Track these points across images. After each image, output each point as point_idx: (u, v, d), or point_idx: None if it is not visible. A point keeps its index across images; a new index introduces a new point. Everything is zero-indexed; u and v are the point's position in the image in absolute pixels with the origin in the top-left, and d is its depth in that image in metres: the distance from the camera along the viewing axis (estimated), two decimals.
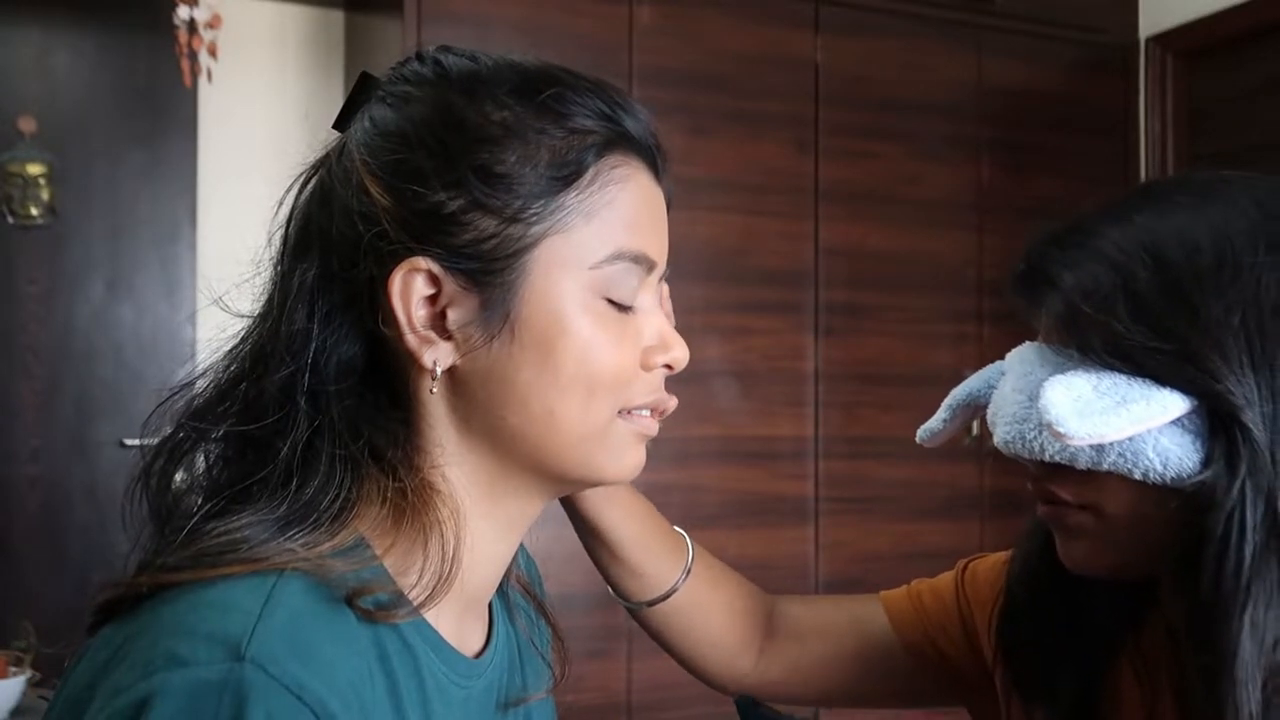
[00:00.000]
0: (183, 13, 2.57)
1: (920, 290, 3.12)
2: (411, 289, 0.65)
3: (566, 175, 0.66)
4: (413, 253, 0.65)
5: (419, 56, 0.71)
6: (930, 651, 0.97)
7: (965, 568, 1.00)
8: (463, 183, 0.65)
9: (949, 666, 0.97)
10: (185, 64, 2.60)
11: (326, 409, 0.65)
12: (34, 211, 3.01)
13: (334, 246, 0.67)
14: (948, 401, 0.88)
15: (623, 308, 0.68)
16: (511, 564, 0.80)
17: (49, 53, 3.07)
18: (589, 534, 0.93)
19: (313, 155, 0.73)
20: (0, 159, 2.99)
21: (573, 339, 0.66)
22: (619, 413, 0.69)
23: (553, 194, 0.66)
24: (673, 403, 0.77)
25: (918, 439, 0.89)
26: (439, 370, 0.66)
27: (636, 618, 0.97)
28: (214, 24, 2.60)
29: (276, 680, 0.55)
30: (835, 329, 3.02)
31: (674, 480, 2.74)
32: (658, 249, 0.71)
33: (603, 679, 2.75)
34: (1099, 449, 0.70)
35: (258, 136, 3.19)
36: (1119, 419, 0.68)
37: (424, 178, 0.65)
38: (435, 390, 0.67)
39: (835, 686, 1.01)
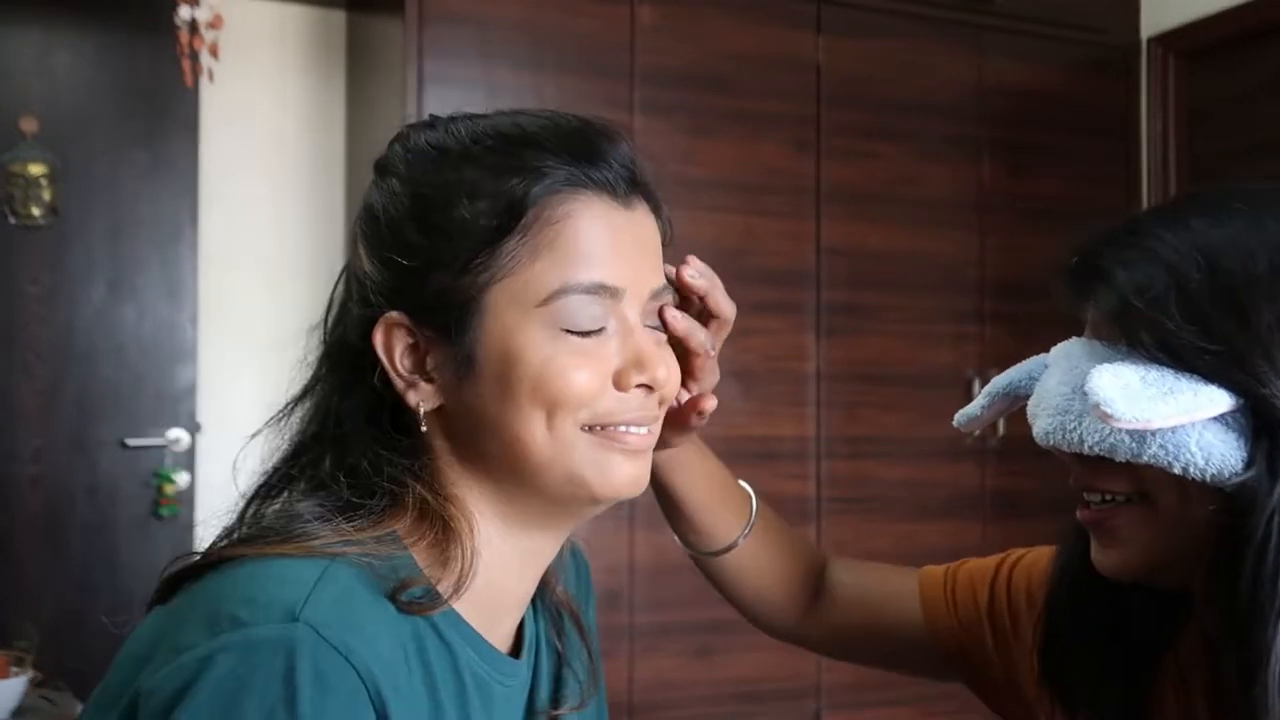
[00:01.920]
0: (184, 13, 2.58)
1: (921, 290, 3.11)
2: (393, 341, 0.74)
3: (506, 222, 0.71)
4: (388, 311, 0.74)
5: (398, 138, 0.79)
6: (954, 646, 0.99)
7: (1010, 568, 0.99)
8: (418, 245, 0.73)
9: (972, 663, 0.98)
10: (186, 64, 2.60)
11: (355, 448, 0.74)
12: (35, 212, 3.01)
13: (350, 311, 0.77)
14: (988, 389, 0.90)
15: (585, 333, 0.72)
16: (554, 579, 0.86)
17: (50, 53, 3.07)
18: (658, 491, 0.97)
19: None
20: (2, 159, 2.99)
21: (525, 369, 0.71)
22: (590, 429, 0.73)
23: (495, 241, 0.71)
24: (708, 392, 0.84)
25: (955, 423, 0.92)
26: (423, 409, 0.74)
27: (695, 562, 1.03)
28: (215, 24, 2.60)
29: (326, 640, 0.61)
30: (836, 329, 3.02)
31: None
32: (621, 275, 0.74)
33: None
34: (1140, 440, 0.71)
35: (259, 136, 3.19)
36: (1166, 406, 0.69)
37: (389, 245, 0.74)
38: (428, 428, 0.75)
39: (870, 656, 1.08)
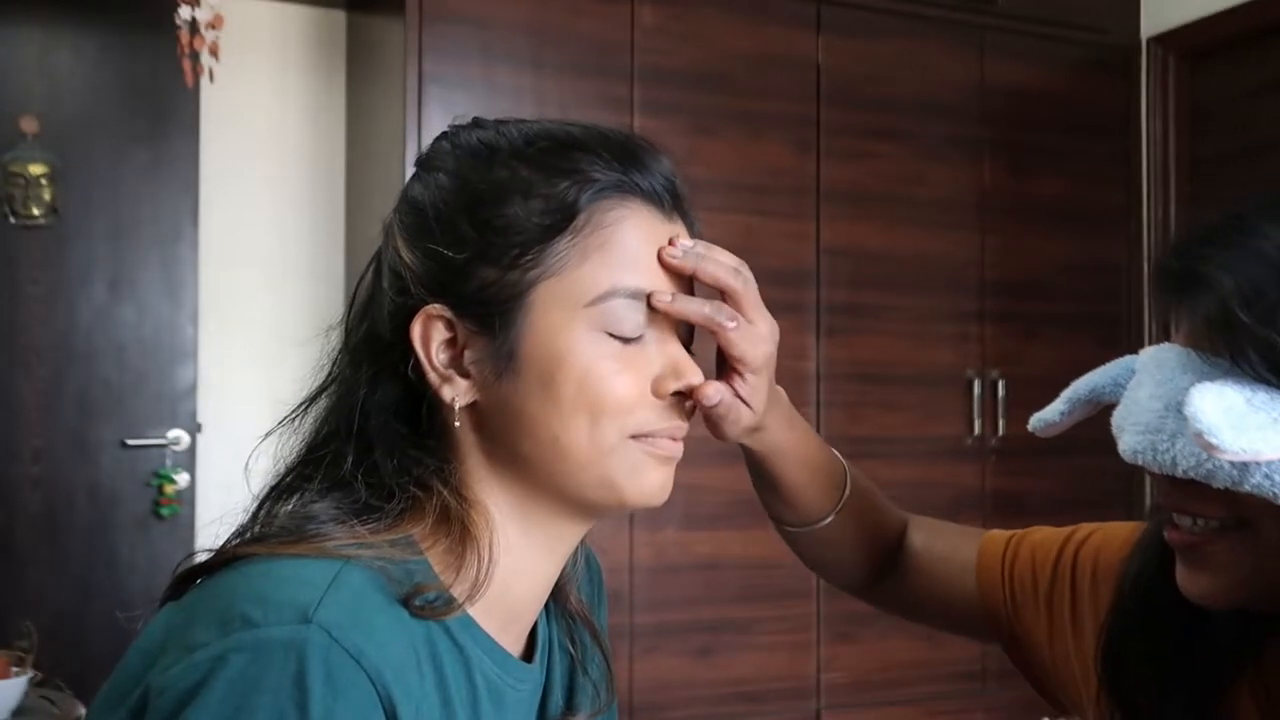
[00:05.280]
0: (184, 13, 2.57)
1: (922, 290, 3.11)
2: (431, 333, 0.74)
3: (558, 222, 0.72)
4: (429, 303, 0.73)
5: (445, 134, 0.78)
6: (1005, 626, 0.97)
7: (1077, 549, 0.95)
8: (467, 238, 0.73)
9: (1021, 644, 0.97)
10: (187, 64, 2.60)
11: (381, 444, 0.74)
12: (36, 211, 3.01)
13: (381, 304, 0.76)
14: (1068, 394, 0.83)
15: (627, 339, 0.73)
16: (569, 586, 0.86)
17: (51, 53, 3.07)
18: (755, 472, 0.95)
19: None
20: (2, 159, 2.99)
21: (569, 370, 0.72)
22: (633, 437, 0.74)
23: (546, 240, 0.72)
24: (714, 392, 0.79)
25: (1030, 427, 0.86)
26: (458, 405, 0.74)
27: (776, 528, 1.01)
28: (216, 24, 2.60)
29: (338, 643, 0.61)
30: (837, 329, 3.02)
31: (676, 480, 2.73)
32: (663, 284, 0.75)
33: None
34: (1242, 469, 0.65)
35: (259, 136, 3.19)
36: (1277, 436, 0.63)
37: (436, 236, 0.74)
38: (459, 423, 0.74)
39: (935, 623, 1.07)
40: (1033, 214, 3.24)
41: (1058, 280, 3.25)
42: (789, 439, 0.91)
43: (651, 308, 0.74)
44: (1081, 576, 0.92)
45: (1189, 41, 3.31)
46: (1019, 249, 3.22)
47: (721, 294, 0.79)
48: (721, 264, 0.78)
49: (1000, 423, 3.10)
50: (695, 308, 0.76)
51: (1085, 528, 0.96)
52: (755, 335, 0.80)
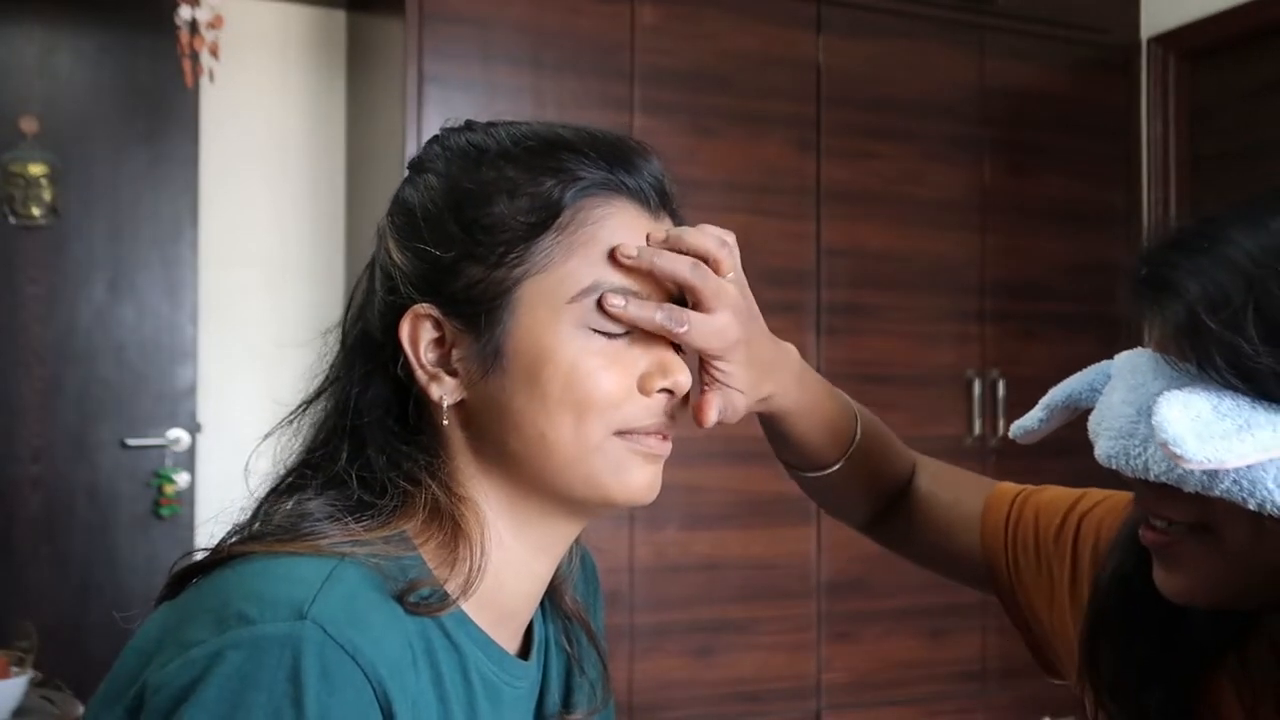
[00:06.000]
0: (184, 13, 2.58)
1: (922, 290, 3.11)
2: (419, 332, 0.74)
3: (543, 219, 0.72)
4: (417, 302, 0.74)
5: (436, 137, 0.79)
6: (1005, 584, 0.98)
7: (1080, 518, 0.95)
8: (454, 237, 0.74)
9: (1019, 606, 0.97)
10: (187, 64, 2.60)
11: (373, 442, 0.75)
12: (36, 212, 3.01)
13: (373, 304, 0.78)
14: (1046, 401, 0.84)
15: (612, 335, 0.73)
16: (564, 585, 0.86)
17: (51, 53, 3.07)
18: (764, 424, 0.96)
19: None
20: (2, 159, 2.99)
21: (556, 366, 0.72)
22: (618, 434, 0.74)
23: (532, 238, 0.73)
24: (710, 413, 0.81)
25: (1011, 435, 0.87)
26: (446, 403, 0.74)
27: (786, 469, 1.03)
28: (216, 24, 2.60)
29: (333, 639, 0.62)
30: (837, 329, 3.02)
31: (676, 480, 2.73)
32: (647, 282, 0.75)
33: None
34: (1212, 474, 0.65)
35: (259, 136, 3.19)
36: (1242, 444, 0.63)
37: (424, 237, 0.75)
38: (448, 421, 0.75)
39: (934, 568, 1.08)
40: (1033, 214, 3.24)
41: (1058, 280, 3.25)
42: (798, 400, 0.91)
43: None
44: (1083, 549, 0.93)
45: (1189, 41, 3.31)
46: (1019, 249, 3.22)
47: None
48: (688, 247, 0.77)
49: (1000, 423, 3.10)
50: (646, 315, 0.74)
51: (1093, 495, 0.97)
52: (713, 327, 0.78)
